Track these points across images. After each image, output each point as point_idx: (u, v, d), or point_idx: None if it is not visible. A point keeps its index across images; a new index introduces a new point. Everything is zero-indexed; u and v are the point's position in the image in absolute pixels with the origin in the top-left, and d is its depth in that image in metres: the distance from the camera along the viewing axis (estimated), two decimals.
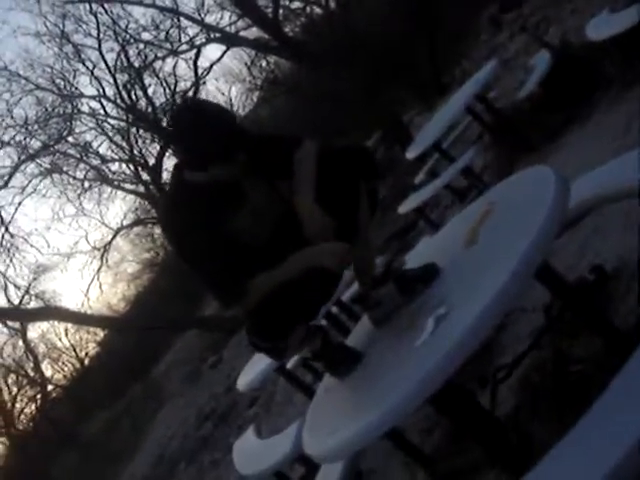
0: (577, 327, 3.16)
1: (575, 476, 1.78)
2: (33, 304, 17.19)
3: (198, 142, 2.64)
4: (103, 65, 16.54)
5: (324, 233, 2.69)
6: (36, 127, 15.60)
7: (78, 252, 18.18)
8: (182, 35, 16.32)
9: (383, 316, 2.77)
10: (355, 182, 2.82)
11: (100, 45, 16.17)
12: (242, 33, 13.49)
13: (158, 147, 17.88)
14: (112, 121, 17.48)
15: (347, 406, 2.51)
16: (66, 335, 21.33)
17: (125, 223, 18.70)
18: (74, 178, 16.81)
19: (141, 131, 17.97)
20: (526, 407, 3.18)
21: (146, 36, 16.24)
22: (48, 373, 21.45)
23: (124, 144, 17.84)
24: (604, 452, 1.71)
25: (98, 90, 16.66)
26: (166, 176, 17.23)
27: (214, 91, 18.53)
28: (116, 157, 18.25)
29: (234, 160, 2.70)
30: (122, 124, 17.75)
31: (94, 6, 15.10)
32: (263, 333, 2.71)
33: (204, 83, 17.68)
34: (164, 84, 17.47)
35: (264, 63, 15.96)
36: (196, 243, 2.67)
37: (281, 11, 13.63)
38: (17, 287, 16.91)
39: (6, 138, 15.58)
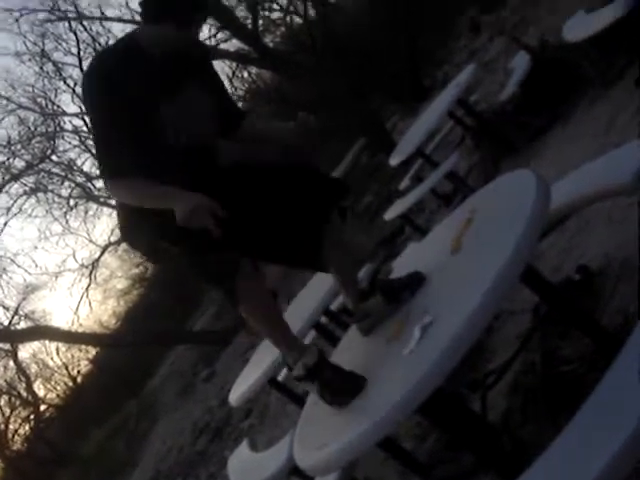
0: (565, 328, 3.17)
1: (568, 478, 1.79)
2: (23, 324, 17.18)
3: None
4: None
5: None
6: (19, 147, 15.56)
7: (66, 270, 18.13)
8: None
9: (371, 327, 2.80)
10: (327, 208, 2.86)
11: (81, 62, 16.13)
12: (222, 45, 13.49)
13: None
14: None
15: (337, 417, 2.51)
16: (57, 354, 21.29)
17: (112, 239, 18.63)
18: (59, 196, 16.77)
19: None
20: (517, 410, 3.19)
21: None
22: (41, 393, 21.39)
23: None
24: (596, 453, 1.71)
25: (80, 107, 16.65)
26: None
27: None
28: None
29: (189, 29, 2.70)
30: None
31: (73, 24, 15.08)
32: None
33: None
34: None
35: (246, 74, 16.01)
36: (121, 101, 2.55)
37: (261, 22, 13.63)
38: (6, 308, 16.89)
39: None
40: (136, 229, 2.73)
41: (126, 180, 2.55)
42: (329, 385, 2.56)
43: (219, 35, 13.39)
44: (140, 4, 2.70)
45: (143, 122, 2.59)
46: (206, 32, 13.22)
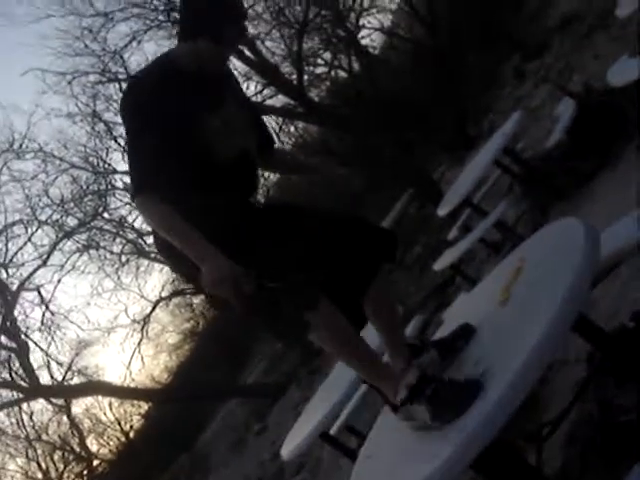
0: (621, 376, 3.11)
1: None
2: (76, 380, 17.27)
3: (210, 5, 2.65)
4: None
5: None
6: (72, 205, 15.83)
7: (118, 326, 18.18)
8: None
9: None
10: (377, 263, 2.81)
11: None
12: (268, 102, 13.67)
13: None
14: None
15: (390, 471, 2.48)
16: (110, 409, 21.31)
17: (163, 295, 18.75)
18: (111, 253, 16.95)
19: None
20: (575, 462, 3.12)
21: None
22: (94, 448, 21.42)
23: None
24: None
25: None
26: None
27: None
28: (151, 230, 18.42)
29: (224, 44, 2.71)
30: None
31: (123, 85, 15.45)
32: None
33: None
34: None
35: (292, 129, 16.17)
36: (157, 117, 2.51)
37: (306, 77, 13.82)
38: (59, 364, 16.98)
39: (43, 217, 15.80)
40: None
41: (154, 201, 2.45)
42: (440, 402, 2.33)
43: (265, 91, 13.59)
44: (175, 22, 2.74)
45: (186, 136, 2.57)
46: (252, 89, 13.46)
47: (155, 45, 13.16)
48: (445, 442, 2.18)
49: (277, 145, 3.10)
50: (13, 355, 15.27)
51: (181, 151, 2.55)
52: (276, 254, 2.53)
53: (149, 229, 17.67)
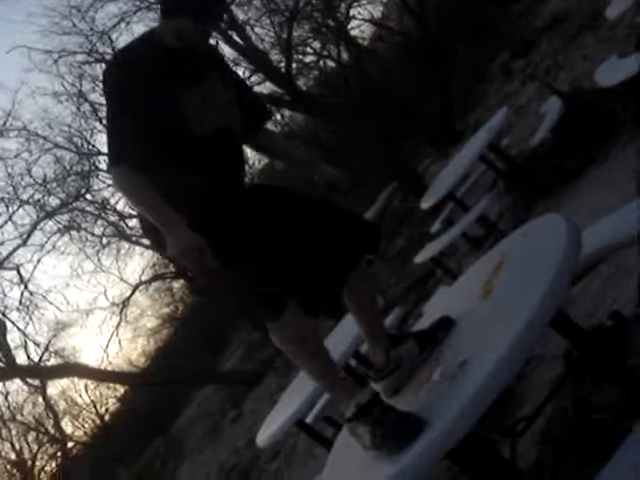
0: (597, 374, 3.13)
1: None
2: (53, 361, 17.18)
3: None
4: None
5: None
6: (54, 185, 15.72)
7: (97, 308, 18.11)
8: None
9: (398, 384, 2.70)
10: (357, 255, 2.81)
11: None
12: (256, 88, 13.61)
13: None
14: None
15: (366, 460, 2.48)
16: (86, 391, 21.27)
17: (144, 278, 18.69)
18: (92, 235, 16.85)
19: None
20: (548, 457, 3.13)
21: None
22: (68, 430, 21.37)
23: None
24: None
25: None
26: None
27: None
28: (134, 213, 18.37)
29: (205, 24, 2.72)
30: None
31: None
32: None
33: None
34: None
35: (279, 116, 16.14)
36: (136, 95, 2.54)
37: (294, 65, 13.78)
38: (37, 344, 16.87)
39: (25, 197, 15.68)
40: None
41: (128, 172, 2.50)
42: (382, 426, 2.39)
43: (253, 78, 13.54)
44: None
45: (164, 110, 2.58)
46: (240, 73, 13.39)
47: (144, 27, 13.07)
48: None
49: (273, 130, 3.06)
50: None
51: (158, 127, 2.56)
52: (246, 247, 2.56)
53: (132, 212, 17.62)
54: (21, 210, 15.93)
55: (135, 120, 2.52)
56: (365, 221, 3.04)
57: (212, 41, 3.00)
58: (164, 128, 2.58)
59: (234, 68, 12.47)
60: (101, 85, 2.80)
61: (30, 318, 16.55)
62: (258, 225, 2.62)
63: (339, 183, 2.91)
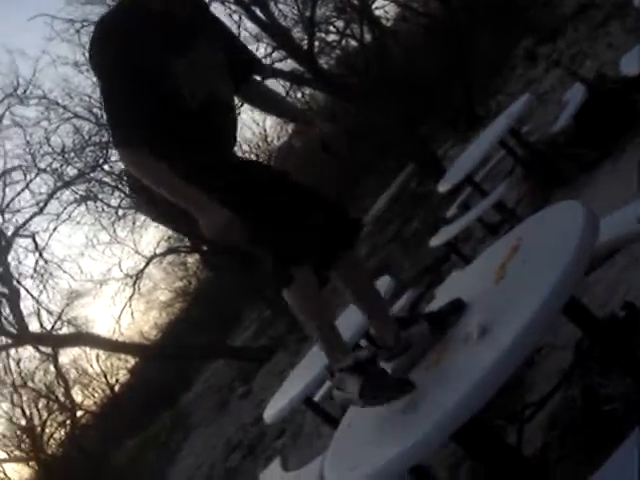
0: (607, 365, 3.10)
1: None
2: (65, 330, 17.28)
3: None
4: None
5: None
6: (72, 155, 15.73)
7: (111, 279, 18.19)
8: None
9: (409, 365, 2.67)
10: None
11: None
12: (277, 65, 13.56)
13: None
14: None
15: (370, 441, 2.47)
16: (97, 361, 21.44)
17: (158, 251, 18.72)
18: (108, 206, 16.87)
19: None
20: (554, 445, 3.12)
21: None
22: (78, 399, 21.54)
23: None
24: None
25: None
26: None
27: (249, 121, 18.56)
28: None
29: None
30: None
31: None
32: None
33: (239, 113, 17.74)
34: None
35: (299, 95, 16.08)
36: (129, 63, 2.45)
37: (316, 43, 13.71)
38: (50, 312, 17.00)
39: (43, 165, 15.72)
40: None
41: (136, 153, 2.46)
42: (375, 380, 2.46)
43: (274, 54, 13.49)
44: None
45: (156, 82, 2.50)
46: (262, 51, 13.36)
47: None
48: (425, 415, 2.17)
49: (263, 82, 3.00)
50: (4, 301, 15.28)
51: (152, 98, 2.49)
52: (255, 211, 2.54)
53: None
54: (38, 178, 16.01)
55: (129, 96, 2.46)
56: (346, 214, 2.92)
57: None
58: (160, 102, 2.51)
59: (256, 44, 12.35)
60: (88, 57, 2.67)
61: (44, 286, 16.68)
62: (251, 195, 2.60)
63: (332, 141, 2.86)
